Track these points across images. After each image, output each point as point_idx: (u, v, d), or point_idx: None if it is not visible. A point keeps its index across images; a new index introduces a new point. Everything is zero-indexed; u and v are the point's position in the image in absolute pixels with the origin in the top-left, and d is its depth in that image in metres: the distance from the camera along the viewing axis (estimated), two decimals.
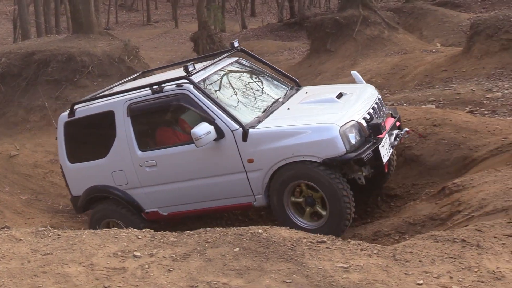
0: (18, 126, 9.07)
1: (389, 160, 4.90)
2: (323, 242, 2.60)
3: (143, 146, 4.94)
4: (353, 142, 4.17)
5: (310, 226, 4.34)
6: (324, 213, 4.28)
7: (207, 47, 14.43)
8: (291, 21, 21.61)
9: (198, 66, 4.99)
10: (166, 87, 4.77)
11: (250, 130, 4.38)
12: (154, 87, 4.79)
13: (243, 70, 5.68)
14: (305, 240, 2.60)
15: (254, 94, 5.21)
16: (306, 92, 5.41)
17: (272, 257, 2.40)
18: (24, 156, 7.67)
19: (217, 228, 2.92)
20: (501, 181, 3.73)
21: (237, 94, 5.01)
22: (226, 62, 5.42)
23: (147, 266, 2.45)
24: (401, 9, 16.68)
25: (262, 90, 5.32)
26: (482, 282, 2.20)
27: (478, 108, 7.44)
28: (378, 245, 2.70)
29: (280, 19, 23.32)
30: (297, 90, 5.46)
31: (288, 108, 4.92)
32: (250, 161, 4.35)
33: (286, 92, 5.36)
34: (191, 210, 4.98)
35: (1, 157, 7.50)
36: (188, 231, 2.91)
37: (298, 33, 19.25)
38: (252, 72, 5.72)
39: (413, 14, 16.11)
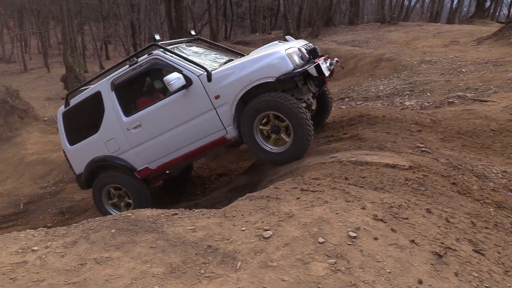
0: None
1: (328, 98, 6.00)
2: (176, 214, 3.35)
3: (127, 113, 5.45)
4: (297, 62, 4.73)
5: (279, 150, 4.88)
6: (287, 139, 4.77)
7: (74, 85, 16.44)
8: (103, 72, 24.61)
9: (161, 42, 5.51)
10: (140, 58, 5.38)
11: (213, 71, 4.92)
12: (130, 60, 5.40)
13: (201, 47, 6.34)
14: (163, 215, 3.32)
15: (212, 58, 5.86)
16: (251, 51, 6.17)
17: (140, 231, 3.06)
18: None
19: (97, 217, 3.42)
20: None
21: (198, 57, 5.60)
22: (184, 43, 6.16)
23: (44, 256, 2.85)
24: None
25: (217, 56, 6.01)
26: (282, 220, 3.01)
27: None
28: (214, 209, 3.56)
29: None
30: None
31: (242, 57, 5.69)
32: (217, 97, 4.87)
33: (238, 57, 6.05)
34: (175, 159, 5.40)
35: None
36: (74, 224, 3.33)
37: None
38: (208, 48, 6.39)
39: None
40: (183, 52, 5.50)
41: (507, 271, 2.66)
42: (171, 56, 5.21)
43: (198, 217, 3.30)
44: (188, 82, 4.92)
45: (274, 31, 27.07)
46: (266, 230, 2.93)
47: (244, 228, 3.00)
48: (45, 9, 33.34)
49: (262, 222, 3.06)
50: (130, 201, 5.85)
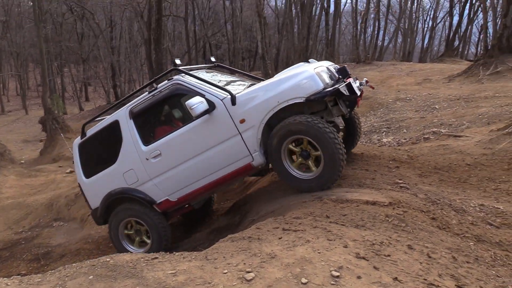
0: None
1: (356, 124, 5.62)
2: (156, 258, 3.28)
3: (147, 142, 5.17)
4: (327, 81, 4.47)
5: (306, 176, 4.54)
6: (314, 169, 4.46)
7: (53, 127, 16.85)
8: (116, 102, 25.66)
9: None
10: (159, 85, 5.14)
11: (237, 94, 4.66)
12: (149, 87, 5.20)
13: (222, 73, 6.08)
14: (142, 259, 3.24)
15: (234, 83, 5.60)
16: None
17: (119, 277, 2.96)
18: None
19: (74, 264, 3.29)
20: (268, 193, 5.12)
21: (220, 81, 5.32)
22: (205, 69, 5.89)
23: None
24: None
25: (240, 81, 5.75)
26: (264, 262, 2.96)
27: None
28: (195, 252, 3.51)
29: (108, 101, 27.83)
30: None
31: (265, 80, 5.29)
32: (242, 121, 4.59)
33: (260, 80, 5.84)
34: (197, 190, 5.04)
35: None
36: (50, 271, 3.19)
37: None
38: (230, 75, 6.22)
39: None
40: (205, 77, 5.22)
41: None
42: (193, 79, 4.98)
43: (179, 261, 3.24)
44: (211, 106, 4.66)
45: (253, 71, 27.66)
46: (248, 272, 2.88)
47: (226, 271, 2.95)
48: (25, 52, 33.47)
49: (244, 264, 3.02)
50: (148, 240, 5.49)
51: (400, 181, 4.77)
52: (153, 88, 5.10)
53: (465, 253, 3.26)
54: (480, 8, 22.42)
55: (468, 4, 25.25)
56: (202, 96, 4.67)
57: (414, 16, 32.75)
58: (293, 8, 27.96)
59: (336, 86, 4.44)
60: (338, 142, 4.27)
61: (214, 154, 4.76)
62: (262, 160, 4.66)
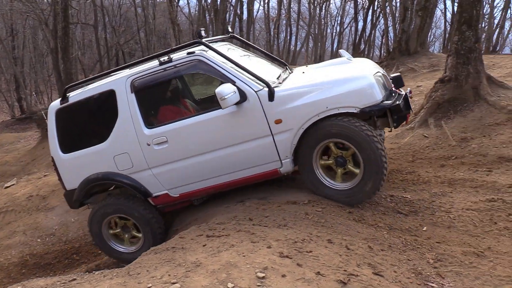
0: None
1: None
2: (74, 279, 3.08)
3: (149, 123, 4.36)
4: (383, 92, 3.95)
5: (344, 187, 4.06)
6: (357, 171, 3.96)
7: None
8: (22, 117, 24.76)
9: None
10: (175, 56, 4.23)
11: (277, 89, 3.96)
12: (162, 58, 4.23)
13: (240, 49, 5.15)
14: (58, 282, 3.02)
15: (261, 66, 4.74)
16: (307, 66, 5.14)
17: None
18: None
19: None
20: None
21: (247, 64, 4.36)
22: (222, 43, 4.90)
23: None
24: None
25: (265, 64, 4.92)
26: (189, 271, 2.93)
27: None
28: (117, 269, 3.36)
29: (12, 116, 26.42)
30: (291, 68, 5.10)
31: (303, 72, 4.55)
32: (278, 121, 3.94)
33: (285, 68, 5.03)
34: (206, 188, 4.39)
35: None
36: None
37: (29, 125, 21.56)
38: (249, 50, 5.30)
39: None
40: (229, 55, 4.30)
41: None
42: (221, 58, 4.15)
43: (100, 280, 3.09)
44: (242, 97, 3.95)
45: None
46: (173, 283, 2.81)
47: (150, 285, 2.85)
48: None
49: (169, 275, 2.95)
50: (139, 234, 4.83)
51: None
52: (167, 60, 4.23)
53: (379, 242, 3.48)
54: (381, 14, 24.20)
55: (370, 11, 27.11)
56: (232, 83, 3.97)
57: (323, 22, 34.40)
58: (206, 14, 28.02)
59: (395, 100, 3.99)
60: (384, 152, 3.88)
61: (236, 152, 4.14)
62: (291, 168, 4.14)
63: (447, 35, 26.40)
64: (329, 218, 3.78)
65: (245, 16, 26.50)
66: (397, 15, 18.66)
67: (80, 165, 4.63)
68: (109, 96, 4.46)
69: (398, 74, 4.59)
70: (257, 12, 32.76)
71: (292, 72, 4.80)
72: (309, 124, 3.90)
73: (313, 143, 3.98)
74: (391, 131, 4.74)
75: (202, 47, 4.26)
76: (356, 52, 27.33)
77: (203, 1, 26.27)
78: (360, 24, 27.54)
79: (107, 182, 4.62)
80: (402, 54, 14.21)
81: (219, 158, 4.19)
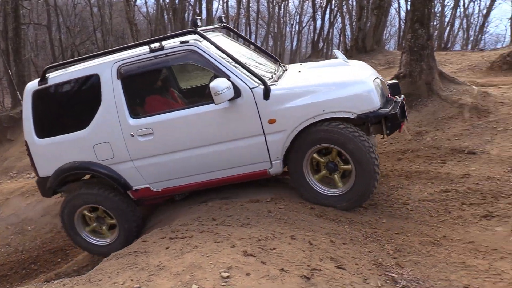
0: None
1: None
2: None
3: (135, 113, 4.14)
4: (381, 98, 3.87)
5: (333, 193, 3.99)
6: (349, 166, 3.89)
7: None
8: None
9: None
10: (167, 44, 4.01)
11: (272, 88, 3.82)
12: (153, 44, 4.01)
13: (233, 41, 4.91)
14: None
15: (254, 61, 4.50)
16: (301, 64, 4.93)
17: None
18: None
19: None
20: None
21: (241, 58, 4.15)
22: (215, 33, 4.67)
23: None
24: None
25: (259, 59, 4.68)
26: (152, 274, 2.91)
27: None
28: (77, 277, 3.26)
29: None
30: (284, 65, 4.89)
31: (299, 71, 4.40)
32: (271, 121, 3.82)
33: (278, 64, 4.83)
34: (190, 184, 4.21)
35: None
36: None
37: None
38: (241, 44, 5.07)
39: None
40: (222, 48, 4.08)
41: (365, 279, 2.93)
42: (216, 50, 3.96)
43: None
44: (236, 93, 3.81)
45: None
46: None
47: None
48: None
49: (132, 280, 2.92)
50: (113, 221, 4.58)
51: (281, 177, 5.01)
52: (158, 48, 4.02)
53: (341, 236, 3.55)
54: (338, 13, 24.70)
55: (328, 10, 27.61)
56: (227, 77, 3.83)
57: (282, 21, 34.74)
58: (165, 14, 27.63)
59: (392, 107, 3.92)
60: (375, 155, 3.83)
61: (225, 150, 4.01)
62: (280, 169, 4.07)
63: (401, 33, 27.32)
64: (291, 215, 3.82)
65: (204, 15, 26.31)
66: (353, 13, 19.09)
67: (56, 151, 4.38)
68: (93, 81, 4.22)
69: (396, 81, 4.52)
70: (216, 11, 32.58)
71: (286, 69, 4.65)
72: (304, 126, 3.82)
73: (305, 147, 3.91)
74: (383, 138, 4.67)
75: (197, 36, 4.06)
76: (316, 50, 27.76)
77: (161, 0, 25.88)
78: (319, 22, 28.04)
79: (84, 171, 4.39)
80: (359, 52, 14.58)
81: (206, 155, 4.07)
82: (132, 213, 4.48)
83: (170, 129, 4.04)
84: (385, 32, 27.16)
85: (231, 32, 5.56)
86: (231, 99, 3.79)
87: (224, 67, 3.91)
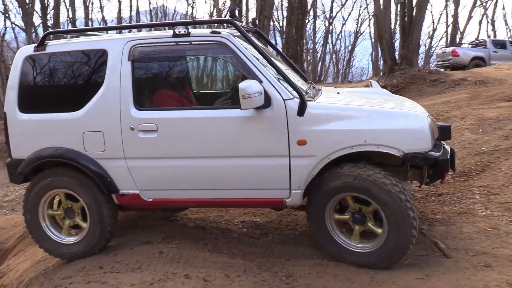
0: None
1: None
2: None
3: (140, 103, 3.50)
4: (432, 140, 3.24)
5: (360, 249, 3.36)
6: (379, 230, 3.26)
7: None
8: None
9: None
10: (194, 31, 3.44)
11: (310, 103, 3.21)
12: (177, 28, 3.41)
13: (264, 47, 4.10)
14: None
15: (289, 73, 3.74)
16: (336, 87, 4.51)
17: None
18: None
19: None
20: (29, 258, 4.52)
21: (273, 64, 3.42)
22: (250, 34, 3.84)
23: None
24: None
25: (291, 73, 3.99)
26: None
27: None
28: None
29: None
30: (316, 86, 4.31)
31: (338, 93, 3.97)
32: (301, 142, 3.19)
33: (310, 83, 4.30)
34: (190, 200, 3.61)
35: None
36: None
37: None
38: (273, 52, 4.56)
39: None
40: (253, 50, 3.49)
41: None
42: (251, 53, 3.38)
43: None
44: (266, 102, 3.18)
45: None
46: None
47: None
48: None
49: None
50: (84, 224, 3.83)
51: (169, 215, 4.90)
52: (183, 33, 3.41)
53: (235, 269, 3.58)
54: None
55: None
56: (258, 81, 3.21)
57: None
58: None
59: (443, 151, 3.37)
60: (415, 222, 3.21)
61: (240, 166, 3.40)
62: (299, 202, 3.44)
63: None
64: (184, 253, 3.75)
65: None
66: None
67: (38, 131, 3.73)
68: (99, 57, 3.62)
69: (447, 124, 3.79)
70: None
71: (320, 89, 4.08)
72: (338, 155, 3.25)
73: (328, 195, 3.35)
74: (420, 186, 4.14)
75: (232, 29, 3.54)
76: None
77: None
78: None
79: (65, 161, 3.65)
80: None
81: (216, 168, 3.46)
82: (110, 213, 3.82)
83: (179, 130, 3.44)
84: None
85: (262, 39, 4.73)
86: (258, 108, 3.22)
87: (257, 69, 3.33)
